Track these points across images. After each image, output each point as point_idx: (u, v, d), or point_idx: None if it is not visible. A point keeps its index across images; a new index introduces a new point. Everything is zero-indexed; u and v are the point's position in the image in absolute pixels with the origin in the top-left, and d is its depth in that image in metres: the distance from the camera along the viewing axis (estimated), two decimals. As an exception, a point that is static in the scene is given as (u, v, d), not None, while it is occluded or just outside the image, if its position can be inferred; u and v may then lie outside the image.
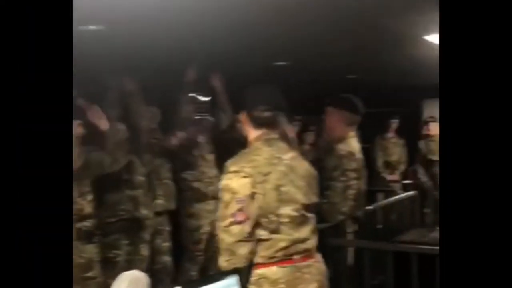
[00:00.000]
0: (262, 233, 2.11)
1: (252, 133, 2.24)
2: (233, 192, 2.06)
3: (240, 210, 2.04)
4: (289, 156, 2.22)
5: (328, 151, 3.14)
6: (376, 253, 2.74)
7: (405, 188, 5.79)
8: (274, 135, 2.23)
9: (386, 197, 4.72)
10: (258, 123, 2.21)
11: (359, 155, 3.10)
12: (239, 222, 2.04)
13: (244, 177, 2.07)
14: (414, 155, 7.11)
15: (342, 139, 3.11)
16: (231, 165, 2.13)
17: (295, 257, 2.14)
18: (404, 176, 7.16)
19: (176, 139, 4.13)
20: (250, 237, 2.07)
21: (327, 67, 5.56)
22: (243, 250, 2.06)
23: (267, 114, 2.20)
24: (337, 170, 2.91)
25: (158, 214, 4.02)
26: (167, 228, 4.16)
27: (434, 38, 3.88)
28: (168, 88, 4.38)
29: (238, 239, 2.05)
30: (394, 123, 7.07)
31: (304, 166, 2.27)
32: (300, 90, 6.56)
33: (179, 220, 4.28)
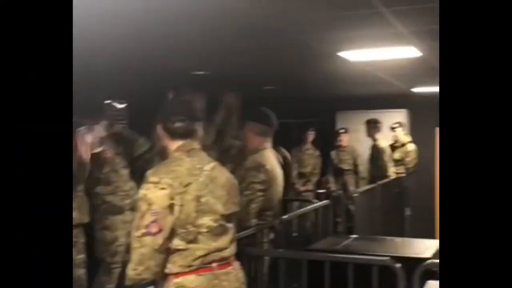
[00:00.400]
0: (179, 243, 2.12)
1: (171, 144, 2.26)
2: (150, 203, 2.07)
3: (154, 221, 2.05)
4: (210, 166, 2.24)
5: (239, 163, 3.22)
6: (291, 261, 2.81)
7: (319, 197, 5.97)
8: (195, 145, 2.26)
9: (301, 206, 4.85)
10: (173, 134, 2.23)
11: (270, 166, 3.14)
12: (152, 234, 2.04)
13: (162, 188, 2.07)
14: (327, 165, 7.37)
15: (256, 150, 3.17)
16: (151, 175, 2.13)
17: (213, 265, 2.17)
18: (318, 185, 7.40)
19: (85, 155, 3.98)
20: (162, 250, 2.07)
21: (246, 78, 5.65)
22: (152, 262, 2.06)
23: (179, 124, 2.22)
24: (243, 183, 2.93)
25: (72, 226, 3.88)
26: (82, 240, 4.02)
27: (346, 54, 4.07)
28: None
29: (148, 250, 2.05)
30: (311, 134, 7.28)
31: (224, 176, 2.30)
32: (220, 100, 6.59)
33: (94, 233, 4.16)
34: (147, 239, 2.05)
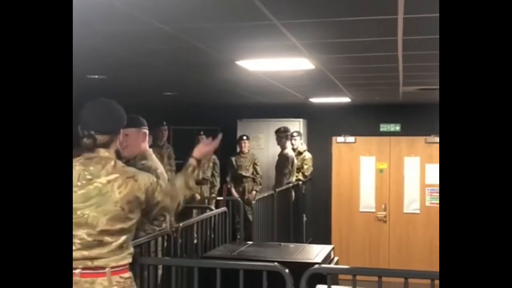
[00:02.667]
0: None
1: (74, 149, 2.20)
2: None
3: None
4: (105, 179, 2.19)
5: None
6: (187, 269, 2.81)
7: (218, 204, 6.01)
8: (102, 153, 2.22)
9: (201, 213, 4.86)
10: (78, 142, 2.20)
11: (161, 170, 3.16)
12: None
13: None
14: (227, 171, 7.44)
15: (144, 156, 3.19)
16: None
17: (77, 271, 2.13)
18: (219, 192, 7.44)
19: None
20: None
21: (145, 83, 5.57)
22: None
23: (85, 140, 2.20)
24: None
25: None
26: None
27: (244, 64, 4.14)
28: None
29: None
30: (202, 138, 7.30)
31: (122, 192, 2.22)
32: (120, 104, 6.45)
33: None
34: None
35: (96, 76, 4.91)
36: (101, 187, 2.18)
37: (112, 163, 2.24)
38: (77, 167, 2.17)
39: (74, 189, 2.13)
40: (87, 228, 2.14)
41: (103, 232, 2.17)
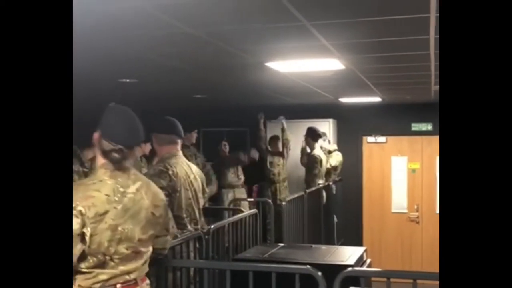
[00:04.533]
0: (83, 266, 2.04)
1: (100, 159, 2.16)
2: None
3: None
4: (134, 188, 2.17)
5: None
6: (219, 271, 2.82)
7: (249, 205, 6.02)
8: (124, 163, 2.15)
9: (232, 214, 4.87)
10: (105, 154, 2.13)
11: (175, 172, 3.15)
12: None
13: (75, 216, 1.97)
14: (259, 172, 7.44)
15: (162, 159, 3.21)
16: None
17: (118, 286, 2.10)
18: (249, 193, 7.45)
19: None
20: None
21: (175, 86, 5.61)
22: None
23: (114, 154, 2.12)
24: None
25: None
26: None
27: (274, 65, 4.14)
28: None
29: None
30: (225, 146, 7.35)
31: (149, 198, 2.22)
32: (149, 107, 6.52)
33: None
34: None
35: (128, 80, 4.97)
36: (134, 197, 2.15)
37: (133, 171, 2.23)
38: (108, 181, 2.10)
39: (112, 205, 2.06)
40: (127, 242, 2.10)
41: (139, 242, 2.15)
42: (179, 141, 3.34)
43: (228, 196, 6.88)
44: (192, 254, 3.15)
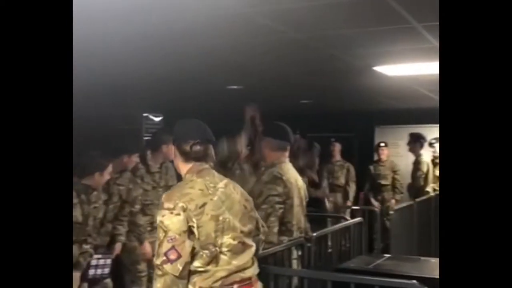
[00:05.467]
0: (198, 264, 2.11)
1: (183, 166, 2.28)
2: (166, 230, 2.07)
3: (172, 248, 2.05)
4: (223, 183, 2.25)
5: (256, 179, 3.24)
6: (319, 280, 2.76)
7: (354, 214, 5.87)
8: (205, 165, 2.26)
9: (336, 222, 4.78)
10: (188, 157, 2.25)
11: (287, 178, 3.12)
12: (171, 261, 2.04)
13: (177, 214, 2.07)
14: (365, 180, 7.25)
15: (273, 164, 3.17)
16: (165, 201, 2.12)
17: (235, 286, 2.14)
18: (355, 201, 7.28)
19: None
20: (183, 275, 2.06)
21: (282, 92, 5.64)
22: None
23: (197, 147, 2.24)
24: (261, 197, 2.93)
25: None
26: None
27: (382, 69, 4.01)
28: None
29: (170, 278, 2.05)
30: (337, 146, 7.18)
31: (238, 192, 2.30)
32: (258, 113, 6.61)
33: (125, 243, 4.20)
34: (167, 266, 2.04)
35: (236, 87, 5.08)
36: (224, 191, 2.22)
37: (214, 171, 2.30)
38: (198, 179, 2.20)
39: (208, 197, 2.15)
40: (231, 231, 2.17)
41: (242, 233, 2.21)
42: (289, 148, 3.32)
43: (330, 200, 6.78)
44: (295, 262, 3.12)
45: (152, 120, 4.87)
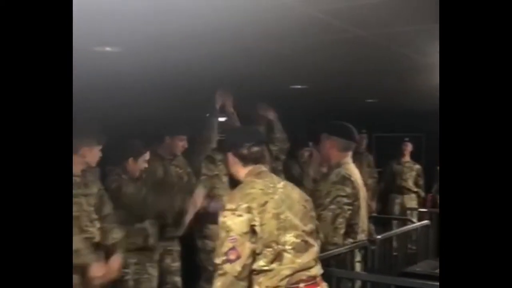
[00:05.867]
0: (262, 264, 2.13)
1: (242, 170, 2.34)
2: (228, 230, 2.11)
3: (232, 248, 2.09)
4: (281, 184, 2.30)
5: (321, 178, 3.18)
6: (383, 284, 2.70)
7: (421, 215, 5.69)
8: (263, 168, 2.33)
9: (402, 225, 4.66)
10: (246, 160, 2.32)
11: (355, 179, 3.06)
12: (231, 261, 2.08)
13: (240, 215, 2.11)
14: (432, 181, 7.01)
15: (338, 164, 3.11)
16: (228, 202, 2.19)
17: (301, 285, 2.16)
18: (423, 202, 7.06)
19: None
20: (242, 277, 2.10)
21: (346, 91, 5.56)
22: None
23: (254, 149, 2.31)
24: (328, 197, 2.88)
25: (167, 238, 4.02)
26: (177, 248, 4.16)
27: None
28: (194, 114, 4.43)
29: (229, 278, 2.09)
30: (408, 146, 6.98)
31: (297, 192, 2.33)
32: (319, 112, 6.56)
33: (195, 242, 4.28)
34: (227, 266, 2.09)
35: (299, 86, 5.05)
36: (284, 190, 2.26)
37: (271, 173, 2.38)
38: (258, 180, 2.26)
39: (269, 196, 2.19)
40: (293, 230, 2.19)
41: (304, 232, 2.23)
42: (354, 148, 3.27)
43: (395, 202, 6.60)
44: (358, 265, 3.07)
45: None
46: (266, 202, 2.16)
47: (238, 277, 2.08)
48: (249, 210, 2.12)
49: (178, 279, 4.13)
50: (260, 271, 2.13)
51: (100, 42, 2.98)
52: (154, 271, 3.85)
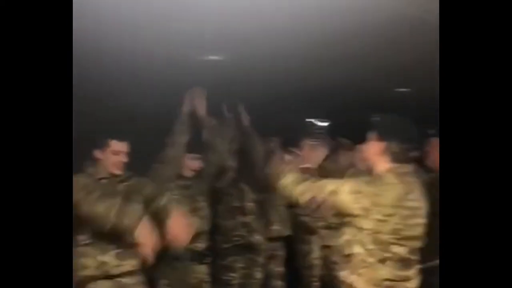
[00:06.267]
0: (363, 252, 2.16)
1: (384, 165, 2.21)
2: (330, 194, 2.12)
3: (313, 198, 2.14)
4: (415, 195, 2.17)
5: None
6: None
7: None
8: (407, 169, 2.19)
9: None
10: (395, 158, 2.17)
11: None
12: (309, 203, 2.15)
13: (357, 202, 2.10)
14: None
15: None
16: (355, 185, 2.13)
17: None
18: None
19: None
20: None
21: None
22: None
23: (407, 150, 2.19)
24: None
25: (272, 239, 4.04)
26: (281, 253, 4.17)
27: None
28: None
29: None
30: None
31: (423, 207, 2.22)
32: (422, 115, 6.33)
33: (295, 246, 4.30)
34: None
35: (404, 89, 4.93)
36: (413, 204, 2.18)
37: (412, 176, 2.26)
38: (398, 185, 2.14)
39: (396, 210, 2.12)
40: (405, 241, 2.14)
41: (415, 250, 2.21)
42: None
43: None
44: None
45: (316, 125, 4.92)
46: (391, 215, 2.12)
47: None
48: (366, 210, 2.14)
49: (280, 283, 4.14)
50: (361, 261, 2.16)
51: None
52: (259, 275, 3.89)
